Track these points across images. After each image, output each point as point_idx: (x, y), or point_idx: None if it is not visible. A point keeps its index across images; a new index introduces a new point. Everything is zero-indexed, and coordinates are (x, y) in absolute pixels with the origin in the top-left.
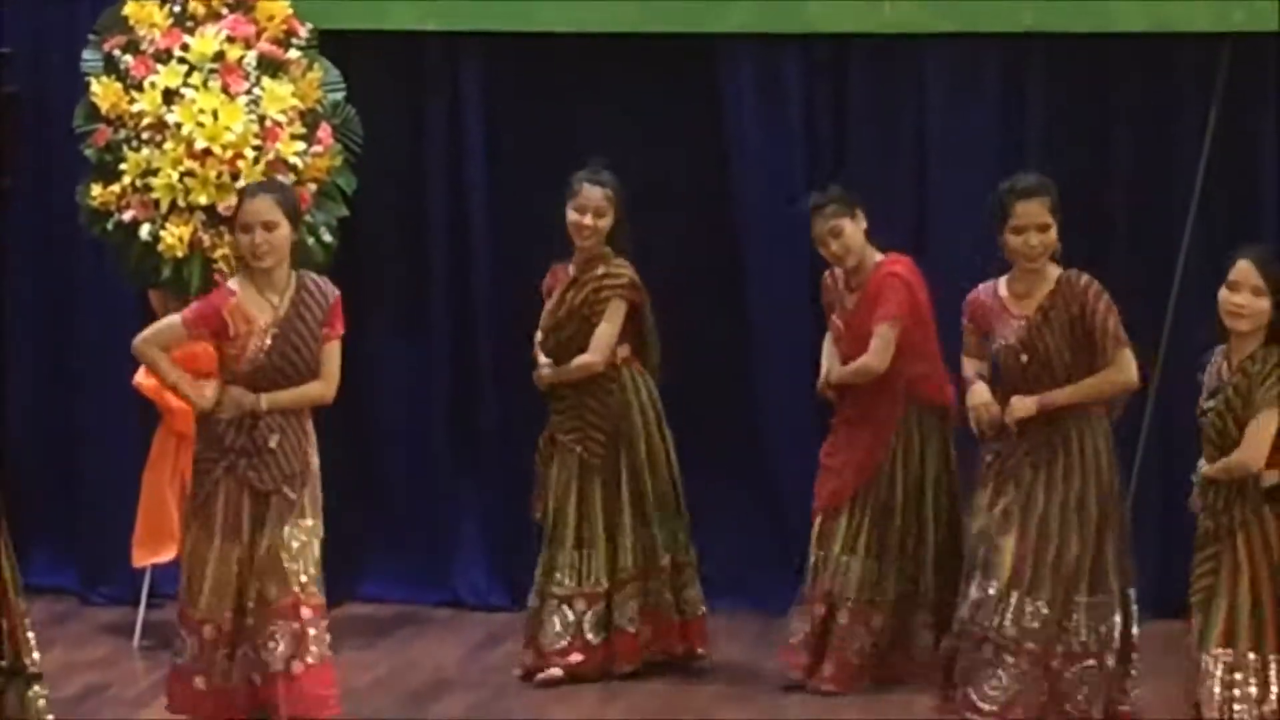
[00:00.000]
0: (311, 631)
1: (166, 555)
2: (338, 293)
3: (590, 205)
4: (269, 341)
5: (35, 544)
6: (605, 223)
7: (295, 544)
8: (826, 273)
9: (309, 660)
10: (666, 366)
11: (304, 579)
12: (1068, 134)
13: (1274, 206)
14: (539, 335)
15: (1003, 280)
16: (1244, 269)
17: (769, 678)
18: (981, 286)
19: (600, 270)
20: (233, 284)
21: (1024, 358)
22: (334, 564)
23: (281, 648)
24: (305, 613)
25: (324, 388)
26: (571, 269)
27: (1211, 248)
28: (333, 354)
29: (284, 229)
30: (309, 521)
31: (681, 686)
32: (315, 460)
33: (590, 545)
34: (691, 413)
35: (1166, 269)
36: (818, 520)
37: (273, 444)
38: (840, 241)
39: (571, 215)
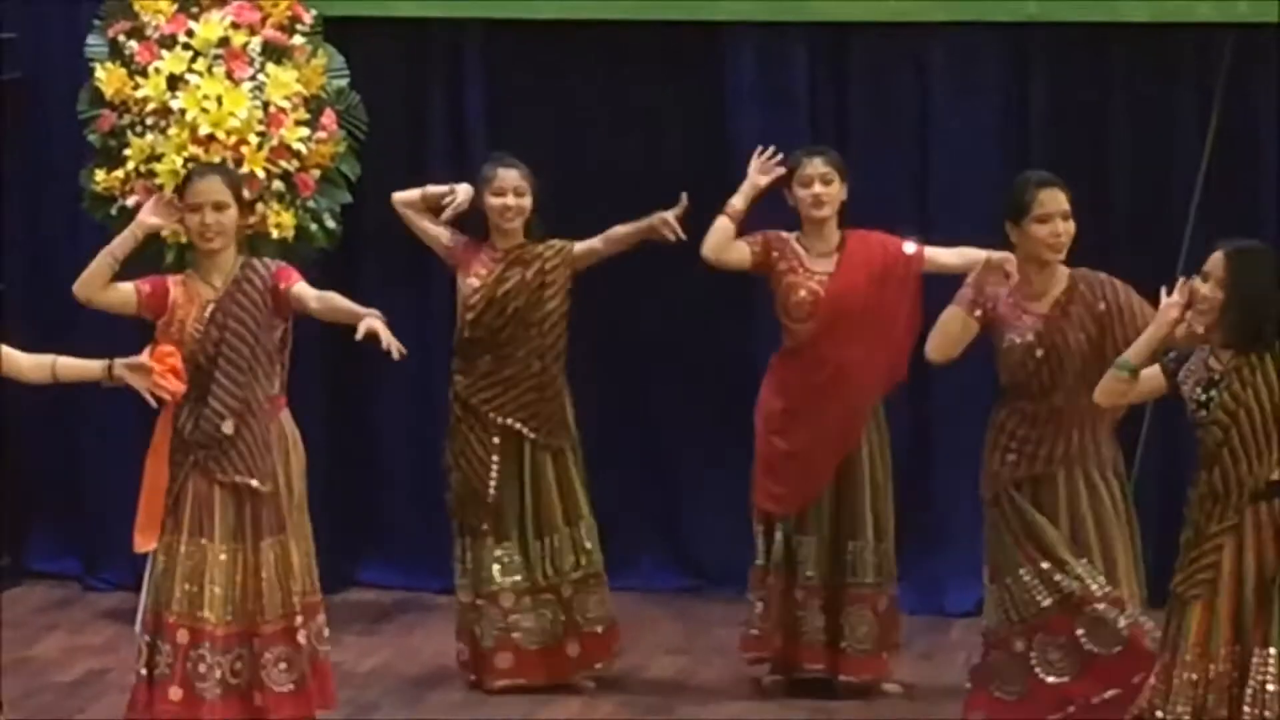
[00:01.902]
0: (309, 645)
1: None
2: (281, 264)
3: (510, 186)
4: (206, 315)
5: (37, 529)
6: (526, 202)
7: (294, 558)
8: (771, 235)
9: (304, 672)
10: (668, 354)
11: (298, 595)
12: (1070, 125)
13: (1272, 200)
14: (469, 314)
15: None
16: (1215, 260)
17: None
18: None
19: (540, 247)
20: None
21: (1039, 353)
22: (335, 549)
23: (284, 668)
24: (300, 635)
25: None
26: (498, 251)
27: (1213, 239)
28: (306, 289)
29: (232, 211)
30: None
31: (679, 675)
32: (297, 484)
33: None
34: (690, 400)
35: (1169, 260)
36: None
37: (227, 430)
38: (829, 190)
39: (493, 200)
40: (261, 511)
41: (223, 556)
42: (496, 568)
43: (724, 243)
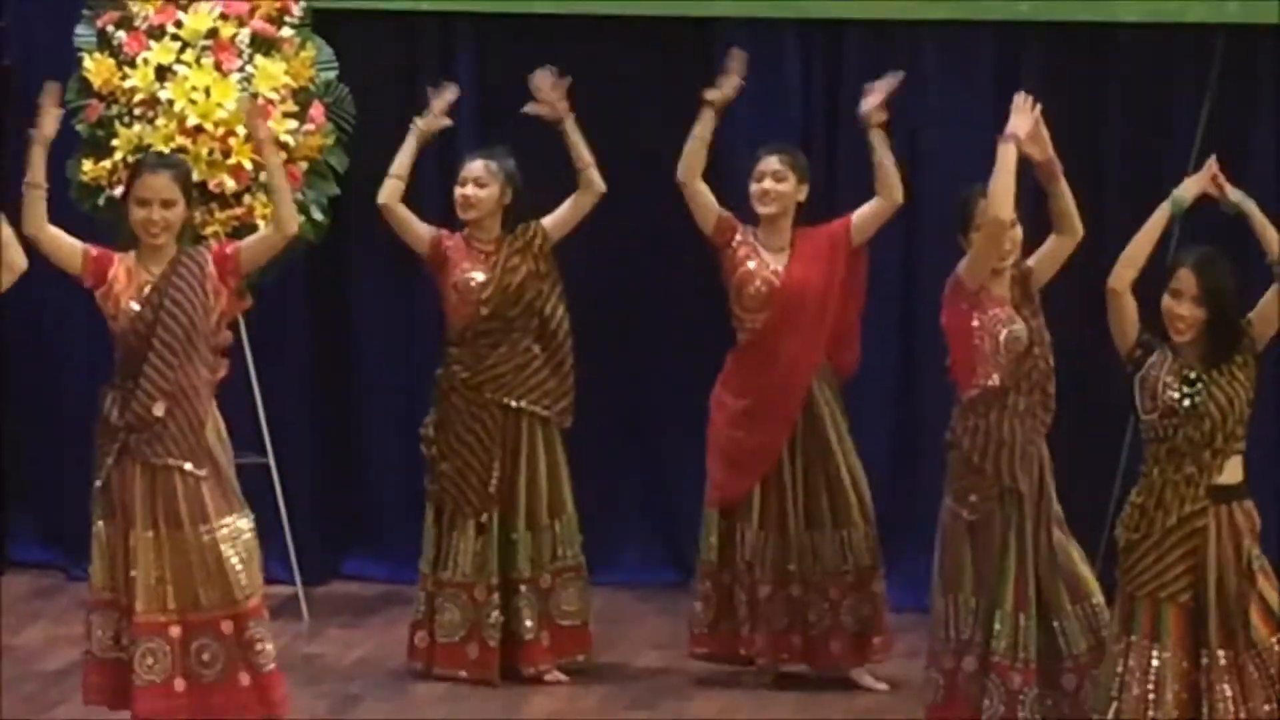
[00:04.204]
0: (257, 639)
1: None
2: (213, 244)
3: (470, 177)
4: (144, 295)
5: (20, 519)
6: (487, 194)
7: (238, 544)
8: (736, 220)
9: (258, 671)
10: (655, 342)
11: (244, 584)
12: (1062, 124)
13: (1265, 199)
14: (483, 307)
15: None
16: (1185, 277)
17: None
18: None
19: (526, 234)
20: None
21: (1037, 351)
22: (319, 541)
23: (221, 661)
24: (246, 624)
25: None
26: (486, 243)
27: (1202, 240)
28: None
29: (179, 208)
30: (238, 520)
31: (665, 669)
32: (222, 455)
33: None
34: (677, 390)
35: (1160, 260)
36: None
37: (158, 412)
38: (776, 187)
39: (456, 190)
40: (194, 497)
41: (147, 541)
42: (476, 558)
43: (697, 165)
